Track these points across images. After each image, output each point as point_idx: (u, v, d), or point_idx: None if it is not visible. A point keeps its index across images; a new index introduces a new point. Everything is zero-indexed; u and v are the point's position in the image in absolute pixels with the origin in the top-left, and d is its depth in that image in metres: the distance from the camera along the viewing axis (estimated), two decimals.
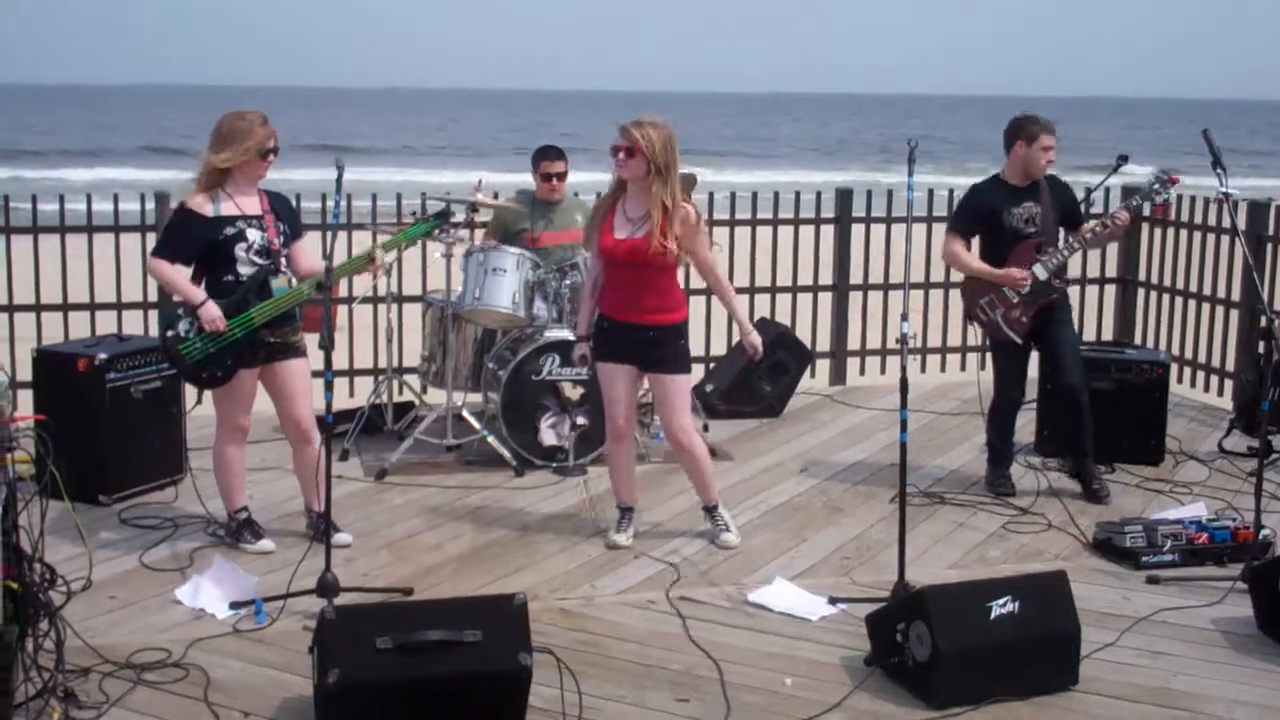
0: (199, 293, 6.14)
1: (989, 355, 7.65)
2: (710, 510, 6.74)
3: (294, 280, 6.26)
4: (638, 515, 6.83)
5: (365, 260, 6.32)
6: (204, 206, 6.14)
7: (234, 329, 6.11)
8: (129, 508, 6.98)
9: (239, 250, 6.15)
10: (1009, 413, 7.62)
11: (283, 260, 6.25)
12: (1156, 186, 7.34)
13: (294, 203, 6.68)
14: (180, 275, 6.17)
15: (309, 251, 6.42)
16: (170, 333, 6.17)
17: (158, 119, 77.17)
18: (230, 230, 6.14)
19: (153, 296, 9.05)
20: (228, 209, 6.17)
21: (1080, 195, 7.91)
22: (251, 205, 6.24)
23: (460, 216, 7.94)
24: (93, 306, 8.98)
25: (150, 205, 9.02)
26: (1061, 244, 7.38)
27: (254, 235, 6.18)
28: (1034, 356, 7.60)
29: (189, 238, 6.14)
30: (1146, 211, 8.62)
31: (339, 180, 5.84)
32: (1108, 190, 10.22)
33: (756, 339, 6.65)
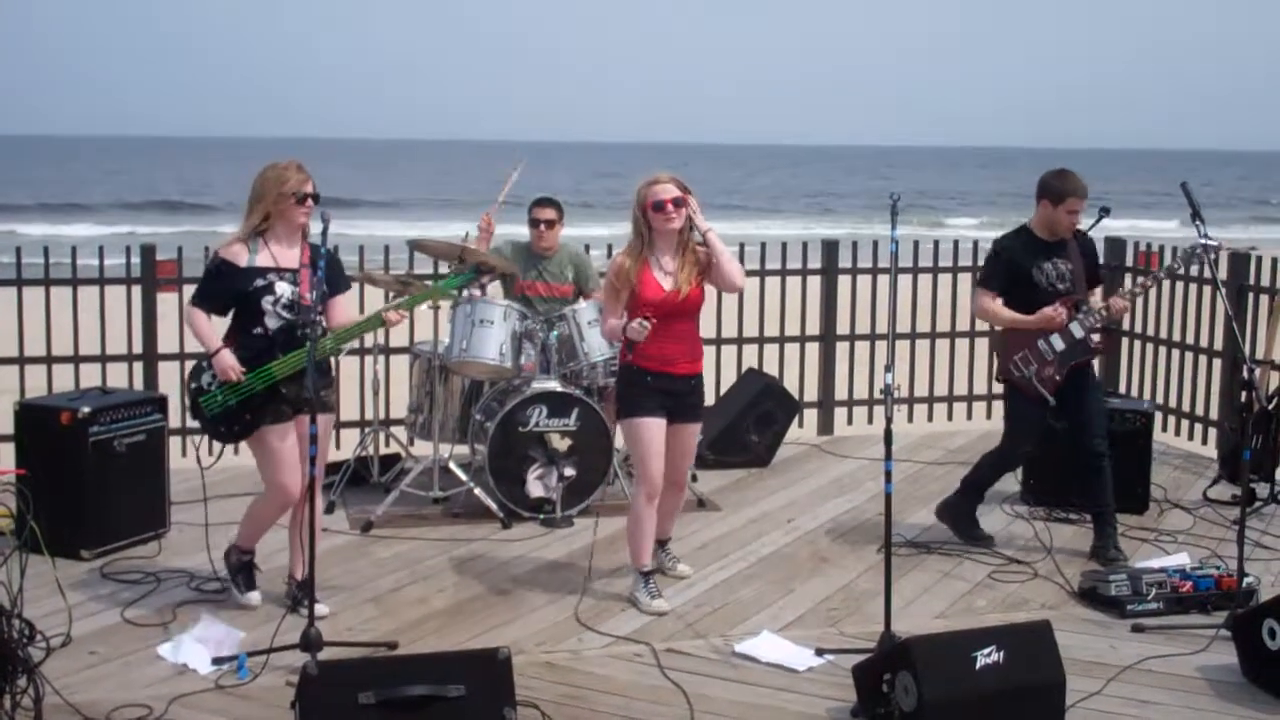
0: (216, 340, 6.07)
1: (998, 405, 7.64)
2: (665, 542, 6.94)
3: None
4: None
5: (377, 322, 6.18)
6: (239, 255, 6.06)
7: (253, 382, 6.03)
8: (111, 562, 6.94)
9: (266, 303, 6.06)
10: (1015, 465, 7.66)
11: (318, 316, 6.00)
12: (1199, 251, 7.24)
13: (338, 257, 6.50)
14: (205, 323, 6.10)
15: (346, 308, 6.31)
16: (194, 384, 6.15)
17: (139, 170, 77.23)
18: (260, 282, 6.05)
19: (137, 349, 9.05)
20: (263, 260, 6.09)
21: None
22: (289, 258, 6.14)
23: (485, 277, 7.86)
24: (77, 359, 8.97)
25: (135, 259, 9.04)
26: (1099, 303, 7.37)
27: (283, 289, 6.07)
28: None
29: (221, 286, 6.10)
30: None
31: (324, 233, 5.83)
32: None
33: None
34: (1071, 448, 7.39)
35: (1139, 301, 10.36)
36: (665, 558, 6.93)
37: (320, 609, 6.30)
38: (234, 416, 6.08)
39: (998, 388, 10.70)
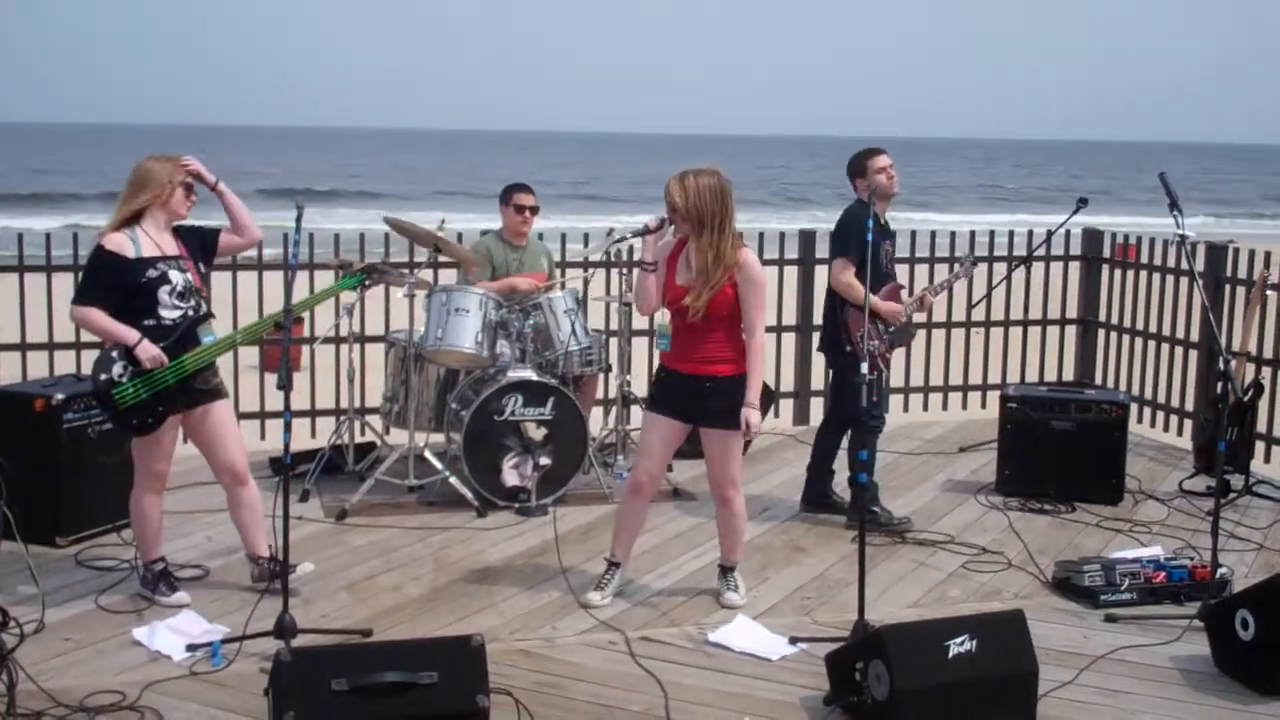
0: (132, 332, 5.93)
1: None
2: (728, 569, 6.54)
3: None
4: (623, 580, 6.58)
5: (268, 324, 6.30)
6: (124, 247, 5.94)
7: (166, 375, 5.97)
8: (85, 549, 6.92)
9: (162, 293, 5.98)
10: (844, 431, 7.87)
11: (203, 301, 6.11)
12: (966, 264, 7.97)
13: (193, 224, 6.34)
14: (107, 319, 5.93)
15: (229, 235, 6.31)
16: (104, 376, 5.95)
17: (112, 159, 76.94)
18: (153, 273, 5.95)
19: None
20: (148, 249, 5.98)
21: (1041, 237, 7.97)
22: (169, 245, 6.07)
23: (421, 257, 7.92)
24: (51, 346, 8.92)
25: None
26: (916, 294, 7.72)
27: (176, 277, 6.01)
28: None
29: (112, 280, 5.94)
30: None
31: (298, 220, 5.80)
32: (1068, 232, 10.32)
33: (755, 418, 6.11)
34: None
35: (1110, 293, 10.43)
36: (720, 582, 6.52)
37: (306, 566, 6.41)
38: (148, 408, 5.99)
39: (974, 378, 10.81)
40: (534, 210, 8.48)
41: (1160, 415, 10.16)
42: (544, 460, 7.75)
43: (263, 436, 9.32)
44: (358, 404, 8.65)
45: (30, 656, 5.33)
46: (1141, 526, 7.74)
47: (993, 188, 75.07)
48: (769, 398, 9.63)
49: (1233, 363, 8.30)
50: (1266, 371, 9.10)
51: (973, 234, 10.34)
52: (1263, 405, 8.88)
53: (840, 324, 7.47)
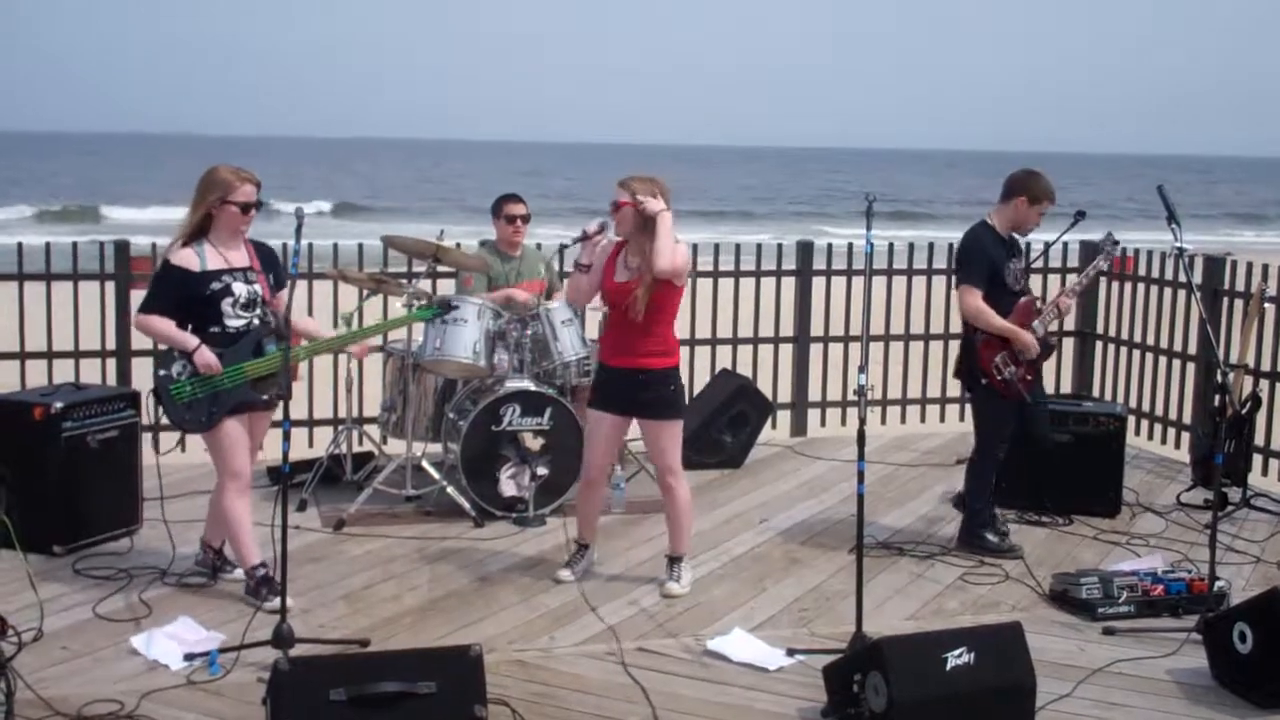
0: (192, 339, 6.16)
1: (969, 408, 7.66)
2: (675, 560, 6.74)
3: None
4: (593, 560, 6.94)
5: (351, 338, 6.50)
6: (190, 261, 6.17)
7: (224, 379, 6.15)
8: (83, 558, 6.91)
9: (225, 304, 6.20)
10: (996, 464, 7.48)
11: (270, 313, 6.33)
12: (1108, 248, 7.48)
13: (279, 253, 6.72)
14: (170, 326, 6.18)
15: (286, 300, 6.37)
16: (163, 373, 6.18)
17: (105, 168, 76.88)
18: (216, 285, 6.18)
19: (111, 345, 9.01)
20: (214, 262, 6.21)
21: (1039, 250, 7.98)
22: (238, 258, 6.30)
23: (421, 269, 7.95)
24: (50, 355, 8.93)
25: (109, 252, 9.01)
26: (1049, 303, 7.44)
27: (240, 289, 6.23)
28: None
29: (177, 293, 6.17)
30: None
31: (298, 230, 5.83)
32: (1065, 245, 10.33)
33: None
34: (1043, 449, 7.46)
35: (1108, 305, 10.45)
36: (665, 572, 6.76)
37: (238, 572, 6.51)
38: (200, 407, 6.18)
39: None
40: (525, 219, 8.49)
41: (1158, 428, 10.17)
42: (541, 470, 7.75)
43: (260, 446, 9.29)
44: (356, 414, 8.65)
45: (28, 665, 5.33)
46: (1139, 539, 7.74)
47: (982, 204, 75.03)
48: (765, 409, 9.64)
49: (1230, 375, 8.30)
50: (1264, 384, 9.11)
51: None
52: (1260, 418, 8.88)
53: (974, 354, 7.28)
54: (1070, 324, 10.88)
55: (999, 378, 7.23)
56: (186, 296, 6.17)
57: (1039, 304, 7.37)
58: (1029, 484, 8.10)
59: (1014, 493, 8.16)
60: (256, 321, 6.29)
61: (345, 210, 50.50)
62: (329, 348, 6.81)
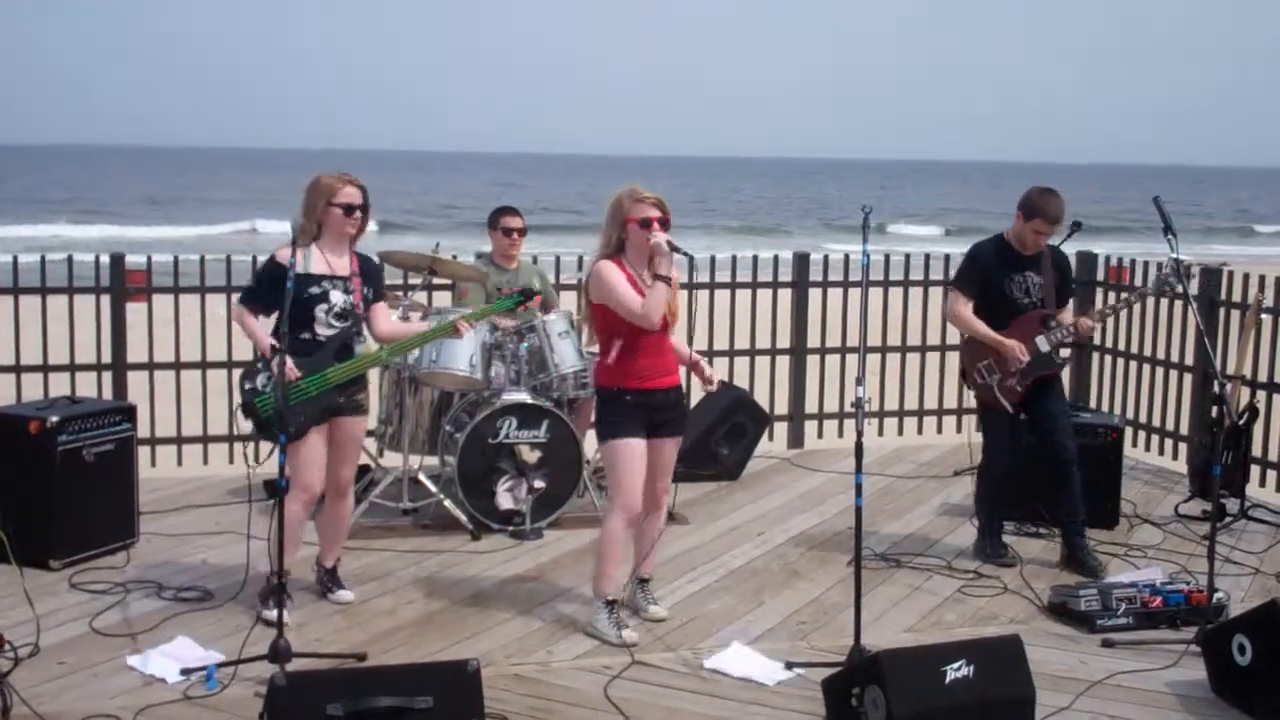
0: (267, 343, 6.15)
1: (969, 419, 7.66)
2: (646, 581, 6.59)
3: (371, 343, 6.39)
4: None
5: (449, 328, 6.43)
6: (284, 256, 6.11)
7: (309, 387, 6.11)
8: (79, 572, 6.89)
9: (319, 311, 6.18)
10: (999, 475, 7.48)
11: (363, 324, 6.34)
12: (1168, 281, 7.30)
13: (379, 266, 6.72)
14: (255, 322, 6.23)
15: (386, 314, 6.53)
16: (249, 385, 6.17)
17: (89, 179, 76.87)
18: (315, 290, 6.17)
19: (106, 358, 8.99)
20: (318, 266, 6.20)
21: None
22: (342, 266, 6.29)
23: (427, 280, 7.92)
24: (46, 368, 8.91)
25: (105, 265, 9.01)
26: (1069, 320, 7.39)
27: (337, 297, 6.22)
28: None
29: (270, 291, 6.13)
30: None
31: (294, 243, 5.83)
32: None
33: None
34: (1039, 460, 7.42)
35: (1109, 317, 10.44)
36: (641, 597, 6.54)
37: (344, 595, 6.60)
38: (290, 418, 6.05)
39: (969, 401, 10.80)
40: (522, 232, 8.50)
41: (1155, 439, 10.16)
42: (538, 483, 7.73)
43: (258, 459, 9.28)
44: None
45: (25, 680, 5.31)
46: (1137, 550, 7.73)
47: (981, 211, 75.00)
48: (762, 420, 9.63)
49: (1228, 386, 8.29)
50: (1262, 395, 9.10)
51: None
52: (1258, 429, 8.87)
53: (962, 353, 7.40)
54: None
55: (980, 382, 7.29)
56: (279, 297, 5.91)
57: (1053, 320, 7.34)
58: (1025, 495, 8.07)
59: (1011, 504, 8.14)
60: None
61: None
62: (422, 341, 6.75)
